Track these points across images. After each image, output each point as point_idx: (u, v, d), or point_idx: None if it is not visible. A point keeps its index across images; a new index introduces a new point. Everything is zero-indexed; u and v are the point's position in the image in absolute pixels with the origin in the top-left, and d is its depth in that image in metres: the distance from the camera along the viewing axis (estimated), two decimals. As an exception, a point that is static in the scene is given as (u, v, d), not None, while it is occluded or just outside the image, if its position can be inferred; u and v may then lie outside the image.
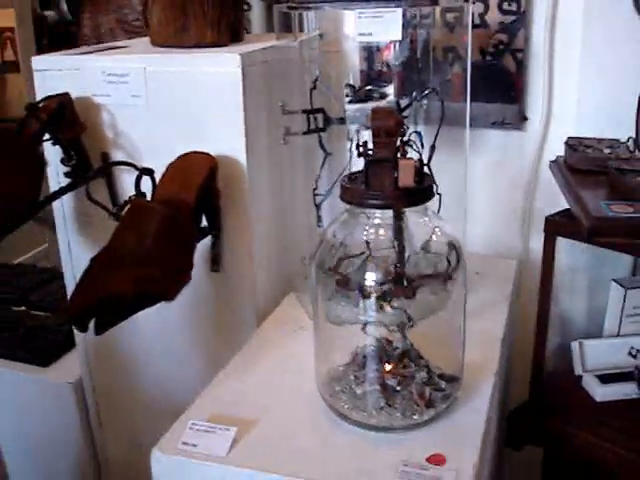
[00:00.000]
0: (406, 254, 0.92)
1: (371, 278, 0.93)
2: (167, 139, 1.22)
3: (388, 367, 0.99)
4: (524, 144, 1.51)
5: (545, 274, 1.17)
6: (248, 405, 1.02)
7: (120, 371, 1.45)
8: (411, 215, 0.92)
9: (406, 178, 0.85)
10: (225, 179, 1.21)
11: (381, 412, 0.94)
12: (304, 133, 1.25)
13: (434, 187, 0.91)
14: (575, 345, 1.26)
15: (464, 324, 0.99)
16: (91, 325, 1.01)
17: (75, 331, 1.45)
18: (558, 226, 1.15)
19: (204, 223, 1.21)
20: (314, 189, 1.33)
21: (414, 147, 0.89)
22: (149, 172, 1.14)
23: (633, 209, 1.04)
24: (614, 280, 1.30)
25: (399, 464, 0.87)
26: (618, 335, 1.28)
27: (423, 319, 0.98)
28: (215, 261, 1.27)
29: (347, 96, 1.28)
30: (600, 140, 1.32)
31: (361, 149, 0.87)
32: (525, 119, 1.50)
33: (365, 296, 0.93)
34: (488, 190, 1.51)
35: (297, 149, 1.31)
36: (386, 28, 1.05)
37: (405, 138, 0.88)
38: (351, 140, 1.11)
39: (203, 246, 1.23)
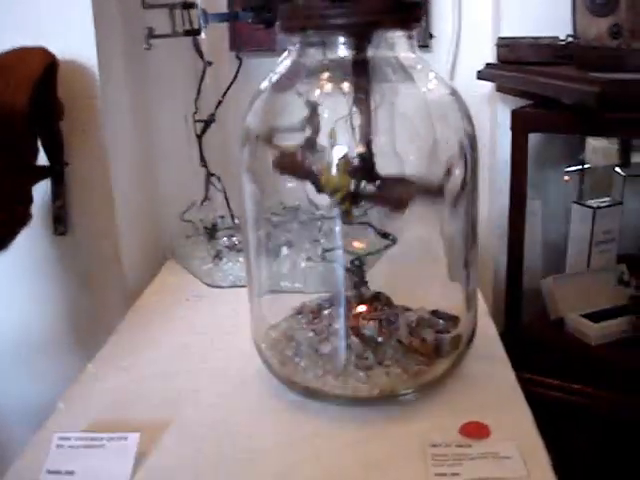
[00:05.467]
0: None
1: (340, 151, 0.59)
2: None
3: (359, 309, 0.66)
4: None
5: (517, 172, 0.87)
6: (149, 401, 0.64)
7: None
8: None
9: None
10: (68, 94, 0.83)
11: (368, 375, 0.61)
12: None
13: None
14: (547, 283, 1.00)
15: (475, 233, 0.67)
16: None
17: None
18: (530, 119, 0.87)
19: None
20: (193, 114, 0.98)
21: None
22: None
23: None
24: (575, 202, 1.05)
25: (425, 446, 0.54)
26: (588, 267, 1.04)
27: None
28: (59, 219, 0.93)
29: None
30: (537, 38, 1.09)
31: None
32: (431, 37, 1.25)
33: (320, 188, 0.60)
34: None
35: (165, 58, 0.96)
36: None
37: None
38: None
39: (40, 198, 0.84)
